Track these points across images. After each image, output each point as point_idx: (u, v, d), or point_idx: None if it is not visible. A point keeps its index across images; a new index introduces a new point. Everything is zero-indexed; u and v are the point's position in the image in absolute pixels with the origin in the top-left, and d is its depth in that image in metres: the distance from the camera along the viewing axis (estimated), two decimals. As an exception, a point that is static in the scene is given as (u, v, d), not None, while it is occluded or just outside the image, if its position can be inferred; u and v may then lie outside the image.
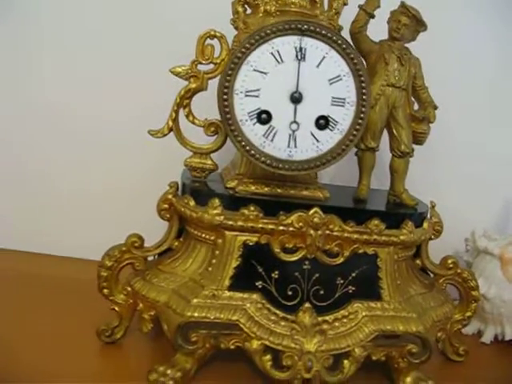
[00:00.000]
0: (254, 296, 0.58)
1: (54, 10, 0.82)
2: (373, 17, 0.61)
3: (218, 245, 0.59)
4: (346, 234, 0.58)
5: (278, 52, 0.56)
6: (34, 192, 0.85)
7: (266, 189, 0.61)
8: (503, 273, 0.72)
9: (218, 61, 0.61)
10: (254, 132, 0.57)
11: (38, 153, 0.85)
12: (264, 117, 0.57)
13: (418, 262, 0.66)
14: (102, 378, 0.59)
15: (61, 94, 0.82)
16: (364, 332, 0.59)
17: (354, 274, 0.60)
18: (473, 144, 0.85)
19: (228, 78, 0.56)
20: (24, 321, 0.66)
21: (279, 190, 0.61)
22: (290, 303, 0.59)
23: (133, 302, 0.62)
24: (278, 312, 0.58)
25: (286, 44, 0.56)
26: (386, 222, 0.59)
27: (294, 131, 0.57)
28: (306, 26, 0.55)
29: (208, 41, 0.61)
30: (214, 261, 0.59)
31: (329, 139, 0.58)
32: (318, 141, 0.58)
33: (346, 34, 0.62)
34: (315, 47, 0.56)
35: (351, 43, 0.58)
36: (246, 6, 0.62)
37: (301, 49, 0.56)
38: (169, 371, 0.57)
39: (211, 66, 0.62)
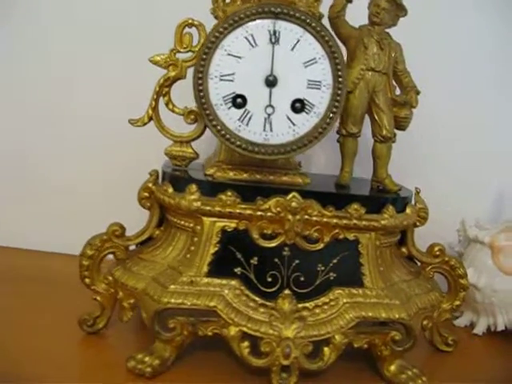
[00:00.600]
0: (233, 282, 0.58)
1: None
2: (350, 1, 0.61)
3: (197, 231, 0.58)
4: (325, 219, 0.58)
5: (252, 36, 0.56)
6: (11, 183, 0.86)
7: (245, 175, 0.60)
8: (494, 262, 0.70)
9: (197, 49, 0.61)
10: (228, 116, 0.57)
11: (16, 143, 0.86)
12: (239, 101, 0.56)
13: (403, 249, 0.65)
14: (82, 368, 0.59)
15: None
16: (345, 319, 0.58)
17: (334, 261, 0.59)
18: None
19: (202, 62, 0.56)
20: (6, 313, 0.66)
21: (258, 176, 0.60)
22: (269, 290, 0.58)
23: (114, 291, 0.62)
24: (256, 299, 0.58)
25: (260, 28, 0.56)
26: (367, 206, 0.58)
27: (269, 115, 0.57)
28: (279, 9, 0.55)
29: (186, 29, 0.62)
30: (192, 248, 0.59)
31: (305, 122, 0.57)
32: (294, 124, 0.57)
33: (327, 22, 0.62)
34: (289, 30, 0.56)
35: (326, 26, 0.58)
36: (224, -5, 0.63)
37: (275, 32, 0.56)
38: (147, 359, 0.57)
39: (190, 54, 0.62)
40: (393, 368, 0.60)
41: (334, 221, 0.58)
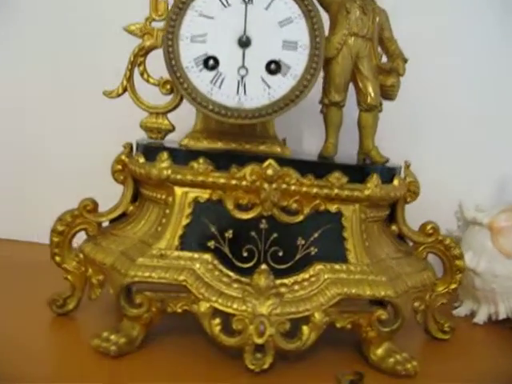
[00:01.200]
0: (206, 256, 0.54)
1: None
2: (331, -36, 0.59)
3: (169, 203, 0.55)
4: (304, 189, 0.54)
5: (225, -5, 0.53)
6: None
7: (220, 143, 0.57)
8: (494, 244, 0.65)
9: (171, 14, 0.59)
10: (200, 79, 0.54)
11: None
12: (211, 63, 0.54)
13: (394, 227, 0.61)
14: (51, 351, 0.56)
15: None
16: (326, 296, 0.53)
17: (316, 235, 0.55)
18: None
19: (172, 23, 0.54)
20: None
21: (233, 145, 0.57)
22: (245, 265, 0.54)
23: (85, 269, 0.59)
24: (231, 274, 0.54)
25: (233, -14, 0.53)
26: (350, 176, 0.54)
27: (242, 77, 0.54)
28: (252, -33, 0.53)
29: (162, -3, 0.60)
30: (164, 220, 0.55)
31: (281, 85, 0.54)
32: (269, 87, 0.54)
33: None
34: (263, -12, 0.53)
35: (302, -16, 0.55)
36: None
37: (248, -10, 0.53)
38: (112, 337, 0.53)
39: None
40: (380, 351, 0.55)
41: (314, 190, 0.54)
